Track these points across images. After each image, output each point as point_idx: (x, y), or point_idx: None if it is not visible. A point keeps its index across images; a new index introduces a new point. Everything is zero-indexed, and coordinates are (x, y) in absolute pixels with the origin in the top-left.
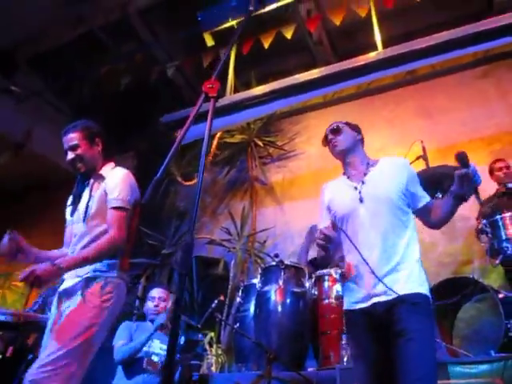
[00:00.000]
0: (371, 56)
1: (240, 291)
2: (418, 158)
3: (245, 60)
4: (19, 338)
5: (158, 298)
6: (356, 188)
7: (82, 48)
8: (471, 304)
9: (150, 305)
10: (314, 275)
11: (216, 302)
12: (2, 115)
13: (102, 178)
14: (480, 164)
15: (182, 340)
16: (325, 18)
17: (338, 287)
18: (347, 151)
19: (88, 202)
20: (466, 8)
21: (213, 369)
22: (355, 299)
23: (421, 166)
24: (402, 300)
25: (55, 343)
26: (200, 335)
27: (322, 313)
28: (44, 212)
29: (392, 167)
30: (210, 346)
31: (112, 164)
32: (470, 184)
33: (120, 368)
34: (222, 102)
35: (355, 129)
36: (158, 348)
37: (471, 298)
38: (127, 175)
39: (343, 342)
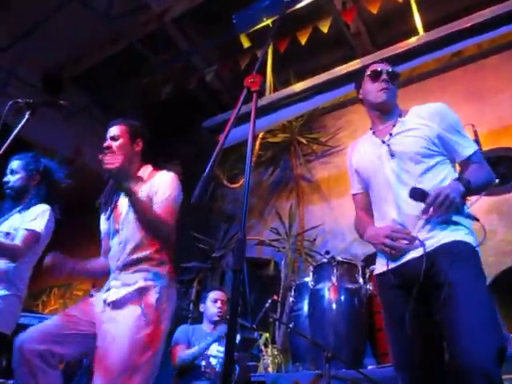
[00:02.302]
0: (412, 41)
1: (292, 290)
2: None
3: (282, 58)
4: None
5: (220, 300)
6: (384, 142)
7: (123, 62)
8: None
9: (212, 307)
10: (367, 270)
11: (270, 301)
12: (52, 132)
13: (141, 180)
14: None
15: (237, 339)
16: (361, 8)
17: None
18: (391, 105)
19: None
20: None
21: (269, 369)
22: (386, 260)
23: None
24: (440, 251)
25: (119, 365)
26: (256, 333)
27: (378, 309)
28: (92, 226)
29: (423, 114)
30: (266, 346)
31: (150, 167)
32: (446, 207)
33: (179, 372)
34: (262, 101)
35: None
36: (214, 350)
37: None
38: (175, 178)
39: None
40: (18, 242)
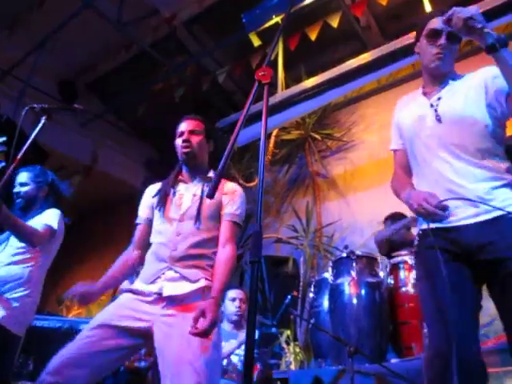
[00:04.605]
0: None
1: (312, 286)
2: None
3: (293, 56)
4: None
5: (239, 299)
6: (432, 106)
7: (136, 67)
8: None
9: (230, 306)
10: (388, 264)
11: (290, 297)
12: (69, 140)
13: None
14: None
15: (256, 334)
16: (370, 1)
17: (415, 275)
18: (446, 72)
19: (201, 202)
20: None
21: (292, 367)
22: (435, 221)
23: None
24: (504, 222)
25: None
26: (273, 329)
27: (400, 302)
28: (112, 228)
29: (474, 78)
30: (287, 344)
31: (213, 171)
32: (466, 25)
33: None
34: (274, 99)
35: None
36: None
37: None
38: (243, 193)
39: (426, 331)
40: (38, 229)
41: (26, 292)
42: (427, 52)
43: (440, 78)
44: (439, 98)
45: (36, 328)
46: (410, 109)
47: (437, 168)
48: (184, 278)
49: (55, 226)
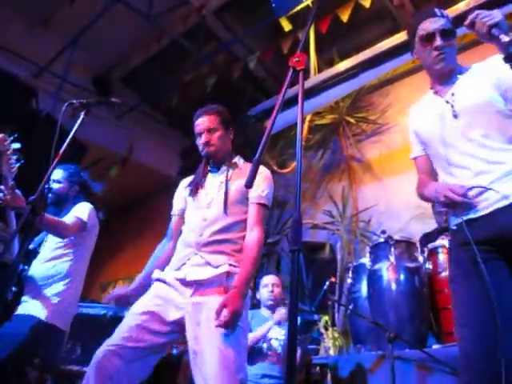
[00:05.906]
0: (461, 6)
1: (350, 272)
2: None
3: (325, 39)
4: None
5: (271, 284)
6: (448, 102)
7: (167, 58)
8: None
9: (264, 292)
10: (426, 248)
11: (328, 283)
12: (105, 132)
13: (237, 167)
14: None
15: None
16: None
17: None
18: (451, 68)
19: (226, 189)
20: None
21: (331, 352)
22: (464, 211)
23: None
24: None
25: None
26: (315, 315)
27: (440, 288)
28: (149, 216)
29: (483, 68)
30: (326, 329)
31: (239, 156)
32: (489, 32)
33: None
34: (307, 84)
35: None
36: (276, 333)
37: None
38: (270, 175)
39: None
40: (66, 221)
41: (67, 286)
42: (426, 56)
43: (447, 75)
44: (453, 94)
45: (82, 315)
46: (427, 112)
47: (463, 163)
48: (208, 263)
49: (85, 218)
